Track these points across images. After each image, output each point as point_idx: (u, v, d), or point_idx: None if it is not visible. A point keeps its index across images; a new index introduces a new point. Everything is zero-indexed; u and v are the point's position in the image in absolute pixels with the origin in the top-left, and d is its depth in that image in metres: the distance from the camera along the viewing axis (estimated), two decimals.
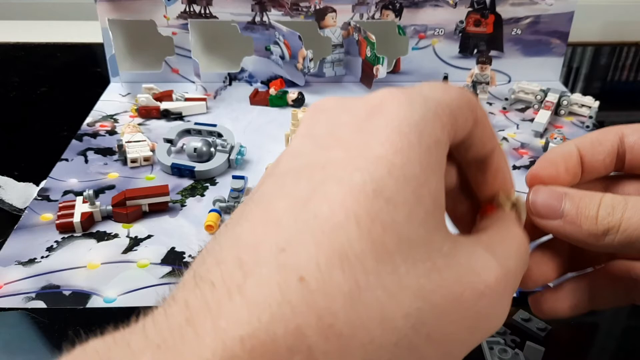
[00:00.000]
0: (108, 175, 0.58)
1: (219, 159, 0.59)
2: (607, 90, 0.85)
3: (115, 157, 0.61)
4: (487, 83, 0.75)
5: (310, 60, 0.74)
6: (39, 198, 0.54)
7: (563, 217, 0.22)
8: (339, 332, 0.14)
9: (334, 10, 0.77)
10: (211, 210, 0.51)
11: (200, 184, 0.57)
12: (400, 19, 0.78)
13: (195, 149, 0.59)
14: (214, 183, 0.57)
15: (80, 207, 0.50)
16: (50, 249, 0.47)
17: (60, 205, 0.51)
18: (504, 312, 0.19)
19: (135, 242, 0.48)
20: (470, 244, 0.18)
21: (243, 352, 0.14)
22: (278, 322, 0.14)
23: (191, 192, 0.56)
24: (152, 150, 0.61)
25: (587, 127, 0.69)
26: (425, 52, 0.80)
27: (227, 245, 0.16)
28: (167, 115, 0.70)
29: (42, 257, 0.47)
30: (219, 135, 0.62)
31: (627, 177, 0.26)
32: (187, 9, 0.76)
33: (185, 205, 0.53)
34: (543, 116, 0.69)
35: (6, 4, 1.08)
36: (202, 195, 0.55)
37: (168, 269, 0.46)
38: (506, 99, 0.74)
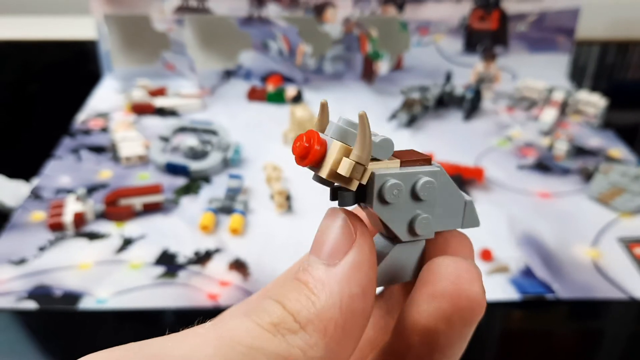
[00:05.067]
0: (101, 173, 0.57)
1: (215, 157, 0.57)
2: (615, 89, 0.84)
3: (109, 155, 0.60)
4: (492, 80, 0.73)
5: (310, 57, 0.73)
6: (31, 196, 0.53)
7: None
8: None
9: (334, 6, 0.75)
10: (206, 210, 0.50)
11: (195, 182, 0.56)
12: (402, 14, 0.76)
13: (190, 147, 0.58)
14: (209, 182, 0.56)
15: (73, 206, 0.49)
16: (42, 249, 0.46)
17: (52, 203, 0.50)
18: None
19: (128, 242, 0.47)
20: None
21: None
22: None
23: (186, 190, 0.55)
24: (147, 148, 0.59)
25: (595, 125, 0.68)
26: (428, 48, 0.78)
27: None
28: (161, 112, 0.69)
29: (34, 257, 0.46)
30: (215, 133, 0.61)
31: None
32: (183, 4, 0.74)
33: (179, 205, 0.52)
34: (549, 114, 0.67)
35: None
36: (197, 194, 0.54)
37: (162, 269, 0.45)
38: (511, 97, 0.73)
